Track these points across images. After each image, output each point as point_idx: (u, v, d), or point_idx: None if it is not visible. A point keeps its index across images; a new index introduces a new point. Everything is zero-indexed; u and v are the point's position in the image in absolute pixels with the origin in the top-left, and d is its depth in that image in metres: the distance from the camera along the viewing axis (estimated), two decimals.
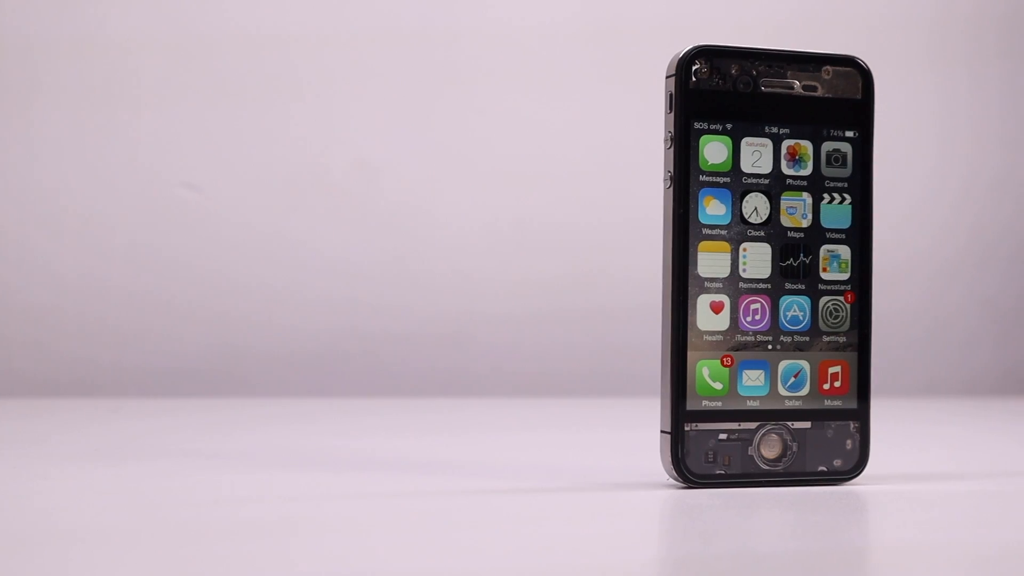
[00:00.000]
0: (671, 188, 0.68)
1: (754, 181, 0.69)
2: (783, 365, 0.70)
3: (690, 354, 0.68)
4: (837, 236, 0.71)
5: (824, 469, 0.70)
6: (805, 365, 0.70)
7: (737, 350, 0.69)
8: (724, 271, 0.69)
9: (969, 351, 1.61)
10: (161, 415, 1.22)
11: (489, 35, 1.50)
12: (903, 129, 1.57)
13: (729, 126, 0.69)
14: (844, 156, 0.71)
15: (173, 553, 0.53)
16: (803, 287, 0.70)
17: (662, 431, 0.69)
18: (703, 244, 0.69)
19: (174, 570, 0.49)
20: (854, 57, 0.71)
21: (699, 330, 0.68)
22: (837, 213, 0.71)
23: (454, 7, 1.50)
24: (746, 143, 0.69)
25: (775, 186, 0.70)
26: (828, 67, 0.70)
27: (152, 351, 1.43)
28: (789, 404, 0.70)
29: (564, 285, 1.49)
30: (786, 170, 0.70)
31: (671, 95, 0.69)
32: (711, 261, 0.69)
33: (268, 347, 1.43)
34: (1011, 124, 1.62)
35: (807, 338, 0.70)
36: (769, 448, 0.69)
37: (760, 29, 1.51)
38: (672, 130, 0.68)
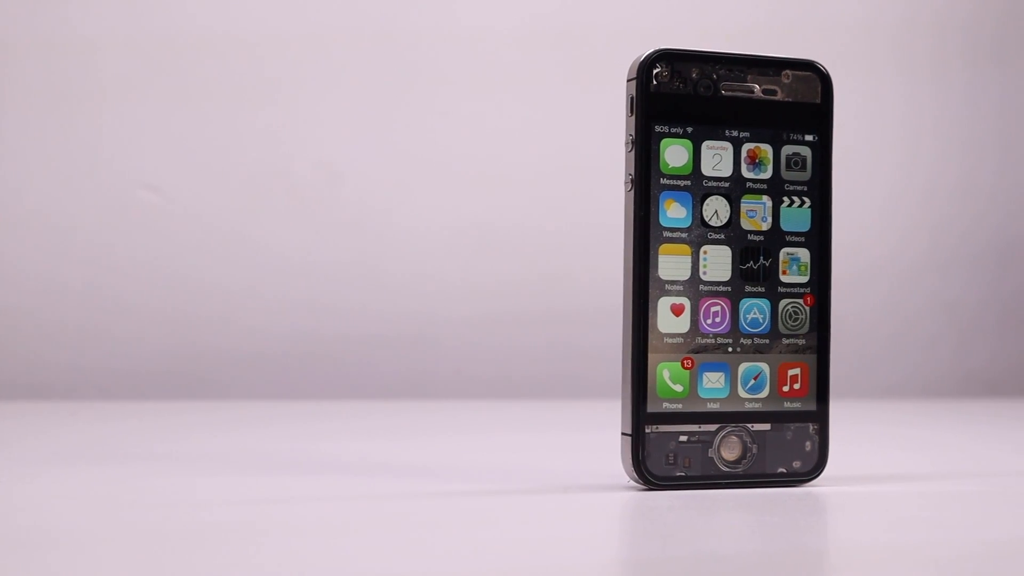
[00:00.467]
0: (632, 191, 0.68)
1: (714, 184, 0.70)
2: (743, 367, 0.70)
3: (651, 356, 0.68)
4: (796, 239, 0.71)
5: (784, 471, 0.70)
6: (765, 367, 0.70)
7: (697, 352, 0.69)
8: (685, 274, 0.69)
9: (930, 354, 1.62)
10: (121, 418, 1.21)
11: (452, 38, 1.50)
12: (867, 134, 1.58)
13: (690, 129, 0.69)
14: (804, 160, 0.71)
15: (133, 557, 0.52)
16: (763, 290, 0.71)
17: (623, 433, 0.69)
18: (664, 247, 0.69)
19: (137, 574, 0.49)
20: (813, 61, 0.71)
21: (660, 332, 0.69)
22: (796, 216, 0.71)
23: (417, 10, 1.50)
24: (707, 146, 0.69)
25: (735, 189, 0.70)
26: (788, 71, 0.71)
27: (112, 352, 1.42)
28: (749, 406, 0.70)
29: (526, 288, 1.50)
30: (746, 173, 0.70)
31: (632, 98, 0.69)
32: (672, 264, 0.69)
33: (229, 348, 1.43)
34: (973, 129, 1.63)
35: (767, 340, 0.70)
36: (729, 450, 0.69)
37: (724, 33, 1.51)
38: (633, 133, 0.68)
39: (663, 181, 0.69)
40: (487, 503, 0.67)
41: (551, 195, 1.51)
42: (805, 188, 0.71)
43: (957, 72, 1.62)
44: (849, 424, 1.03)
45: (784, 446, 0.70)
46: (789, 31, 1.55)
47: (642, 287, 0.68)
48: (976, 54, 1.63)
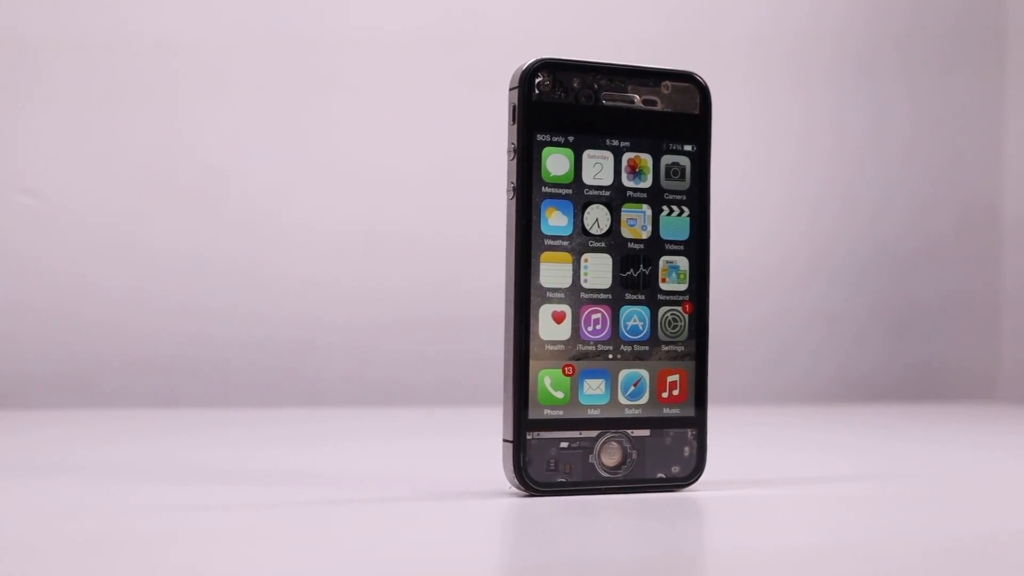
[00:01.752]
0: (514, 199, 0.69)
1: (595, 193, 0.70)
2: (623, 374, 0.71)
3: (532, 363, 0.69)
4: (676, 248, 0.72)
5: (663, 476, 0.71)
6: (644, 374, 0.71)
7: (578, 359, 0.70)
8: (566, 281, 0.70)
9: (816, 362, 1.65)
10: (2, 427, 1.19)
11: (343, 43, 1.49)
12: (756, 145, 1.61)
13: (571, 138, 0.70)
14: (683, 169, 0.72)
15: (23, 569, 0.51)
16: (643, 297, 0.71)
17: (504, 440, 0.69)
18: (545, 255, 0.69)
19: None
20: (692, 73, 0.72)
21: (541, 340, 0.69)
22: (676, 225, 0.72)
23: (309, 14, 1.49)
24: (588, 155, 0.70)
25: (616, 198, 0.71)
26: (667, 82, 0.72)
27: None
28: (629, 412, 0.71)
29: (413, 294, 1.49)
30: (626, 182, 0.71)
31: (514, 107, 0.69)
32: (553, 271, 0.70)
33: (115, 353, 1.41)
34: (865, 143, 1.67)
35: (646, 347, 0.71)
36: (609, 456, 0.70)
37: (615, 44, 1.53)
38: (515, 142, 0.69)
39: (544, 189, 0.69)
40: (368, 510, 0.66)
41: (439, 201, 1.51)
42: (684, 197, 0.72)
43: (846, 85, 1.65)
44: (733, 430, 1.05)
45: (663, 452, 0.71)
46: (681, 43, 1.57)
47: (523, 294, 0.69)
48: (873, 66, 1.66)
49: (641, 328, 0.71)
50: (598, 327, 0.71)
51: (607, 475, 0.70)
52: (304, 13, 1.49)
